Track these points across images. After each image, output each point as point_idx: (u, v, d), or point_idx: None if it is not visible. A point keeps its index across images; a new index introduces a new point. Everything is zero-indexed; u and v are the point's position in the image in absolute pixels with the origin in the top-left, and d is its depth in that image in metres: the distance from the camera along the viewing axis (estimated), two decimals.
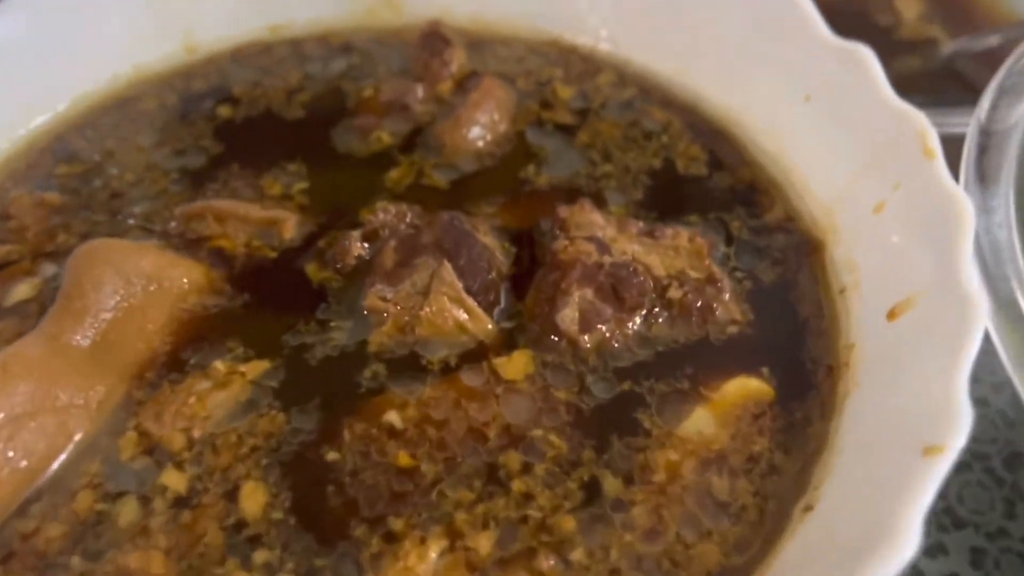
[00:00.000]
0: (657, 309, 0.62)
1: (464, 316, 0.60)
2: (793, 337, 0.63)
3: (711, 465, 0.55)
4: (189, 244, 0.67)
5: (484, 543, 0.52)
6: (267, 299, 0.64)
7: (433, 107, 0.79)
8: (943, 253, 0.55)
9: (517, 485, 0.54)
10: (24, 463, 0.54)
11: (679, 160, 0.75)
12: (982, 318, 0.50)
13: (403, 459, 0.55)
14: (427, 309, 0.60)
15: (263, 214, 0.68)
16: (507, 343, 0.61)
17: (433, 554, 0.51)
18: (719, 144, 0.76)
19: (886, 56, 0.67)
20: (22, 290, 0.64)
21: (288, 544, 0.52)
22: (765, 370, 0.60)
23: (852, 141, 0.67)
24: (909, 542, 0.42)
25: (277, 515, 0.53)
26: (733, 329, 0.62)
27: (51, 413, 0.55)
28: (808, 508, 0.53)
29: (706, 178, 0.74)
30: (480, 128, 0.76)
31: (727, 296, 0.63)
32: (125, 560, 0.51)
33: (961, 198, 0.56)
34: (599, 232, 0.64)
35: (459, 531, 0.52)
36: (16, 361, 0.56)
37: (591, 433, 0.57)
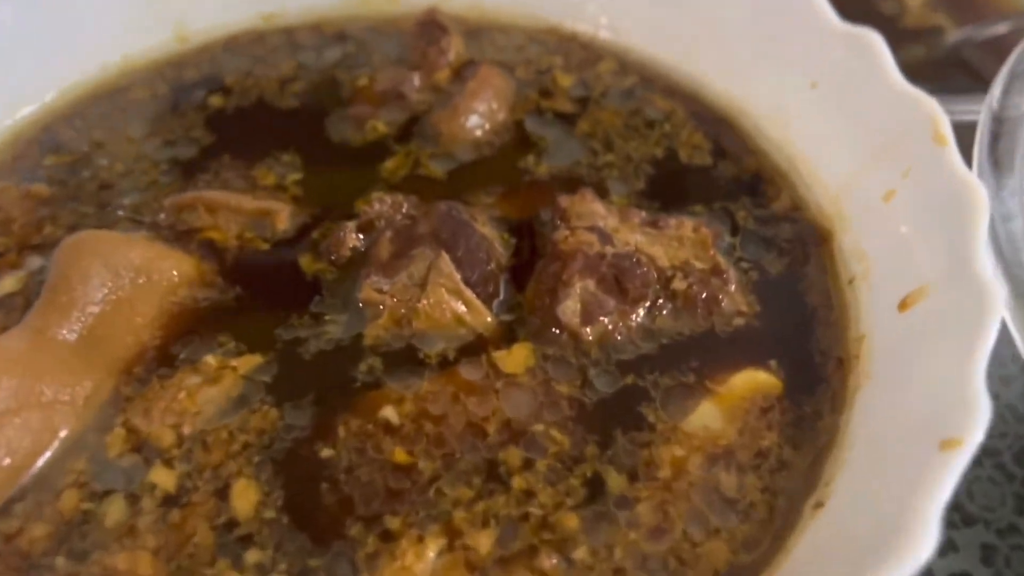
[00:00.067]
0: (661, 301, 0.61)
1: (462, 308, 0.60)
2: (801, 329, 0.62)
3: (718, 460, 0.55)
4: (179, 236, 0.66)
5: (484, 542, 0.51)
6: (259, 292, 0.63)
7: (430, 96, 0.78)
8: (957, 241, 0.54)
9: (518, 482, 0.53)
10: (7, 461, 0.53)
11: (682, 149, 0.75)
12: (998, 307, 0.50)
13: (400, 455, 0.54)
14: (424, 301, 0.59)
15: (255, 205, 0.67)
16: (507, 336, 0.60)
17: (431, 553, 0.50)
18: (723, 132, 0.76)
19: (891, 45, 0.67)
20: (7, 283, 0.63)
21: (281, 544, 0.51)
22: (773, 363, 0.60)
23: (860, 128, 0.66)
24: (927, 540, 0.41)
25: (269, 514, 0.52)
26: (739, 321, 0.62)
27: (36, 409, 0.54)
28: (819, 504, 0.52)
29: (710, 167, 0.73)
30: (478, 117, 0.75)
31: (733, 287, 0.62)
32: (112, 561, 0.50)
33: (975, 185, 0.55)
34: (601, 222, 0.64)
35: (458, 529, 0.51)
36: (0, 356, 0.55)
37: (594, 428, 0.56)
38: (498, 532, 0.51)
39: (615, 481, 0.54)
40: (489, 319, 0.60)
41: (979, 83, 0.71)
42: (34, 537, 0.51)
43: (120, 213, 0.68)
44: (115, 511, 0.52)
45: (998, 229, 0.57)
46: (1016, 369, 0.74)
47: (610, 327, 0.60)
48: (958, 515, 0.66)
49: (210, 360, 0.58)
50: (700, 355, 0.59)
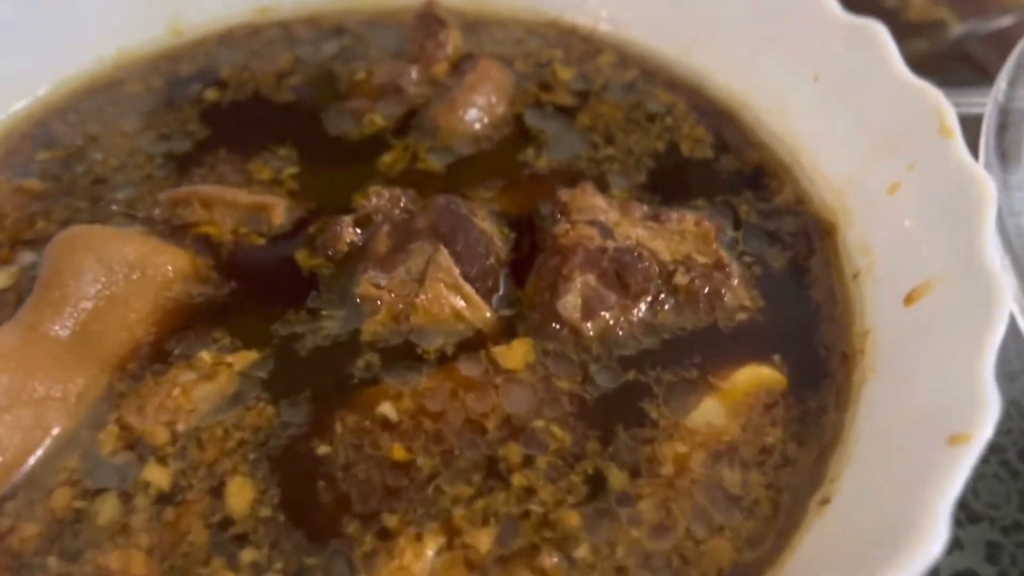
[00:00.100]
0: (663, 295, 0.61)
1: (461, 303, 0.59)
2: (805, 323, 0.61)
3: (721, 457, 0.54)
4: (174, 231, 0.66)
5: (483, 540, 0.50)
6: (255, 287, 0.63)
7: (428, 89, 0.78)
8: (963, 234, 0.54)
9: (518, 479, 0.53)
10: None
11: (684, 142, 0.74)
12: (1006, 300, 0.49)
13: (398, 452, 0.54)
14: (422, 296, 0.59)
15: (251, 199, 0.67)
16: (506, 331, 0.60)
17: (430, 552, 0.49)
18: (725, 126, 0.75)
19: (893, 39, 0.66)
20: None
21: (277, 542, 0.50)
22: (776, 358, 0.59)
23: (864, 120, 0.66)
24: (937, 536, 0.41)
25: (265, 512, 0.51)
26: (742, 316, 0.61)
27: (27, 406, 0.54)
28: (825, 501, 0.51)
29: (712, 160, 0.73)
30: (477, 110, 0.74)
31: (736, 281, 0.62)
32: (105, 560, 0.50)
33: (983, 177, 0.55)
34: (602, 216, 0.63)
35: (457, 528, 0.51)
36: None
37: (595, 424, 0.55)
38: (498, 530, 0.51)
39: (617, 478, 0.53)
40: (488, 314, 0.60)
41: (983, 77, 0.71)
42: (26, 536, 0.50)
43: (114, 208, 0.68)
44: (108, 509, 0.51)
45: (1006, 222, 0.56)
46: (1021, 365, 0.73)
47: (611, 322, 0.59)
48: (963, 512, 0.65)
49: (205, 356, 0.58)
50: (703, 350, 0.59)
